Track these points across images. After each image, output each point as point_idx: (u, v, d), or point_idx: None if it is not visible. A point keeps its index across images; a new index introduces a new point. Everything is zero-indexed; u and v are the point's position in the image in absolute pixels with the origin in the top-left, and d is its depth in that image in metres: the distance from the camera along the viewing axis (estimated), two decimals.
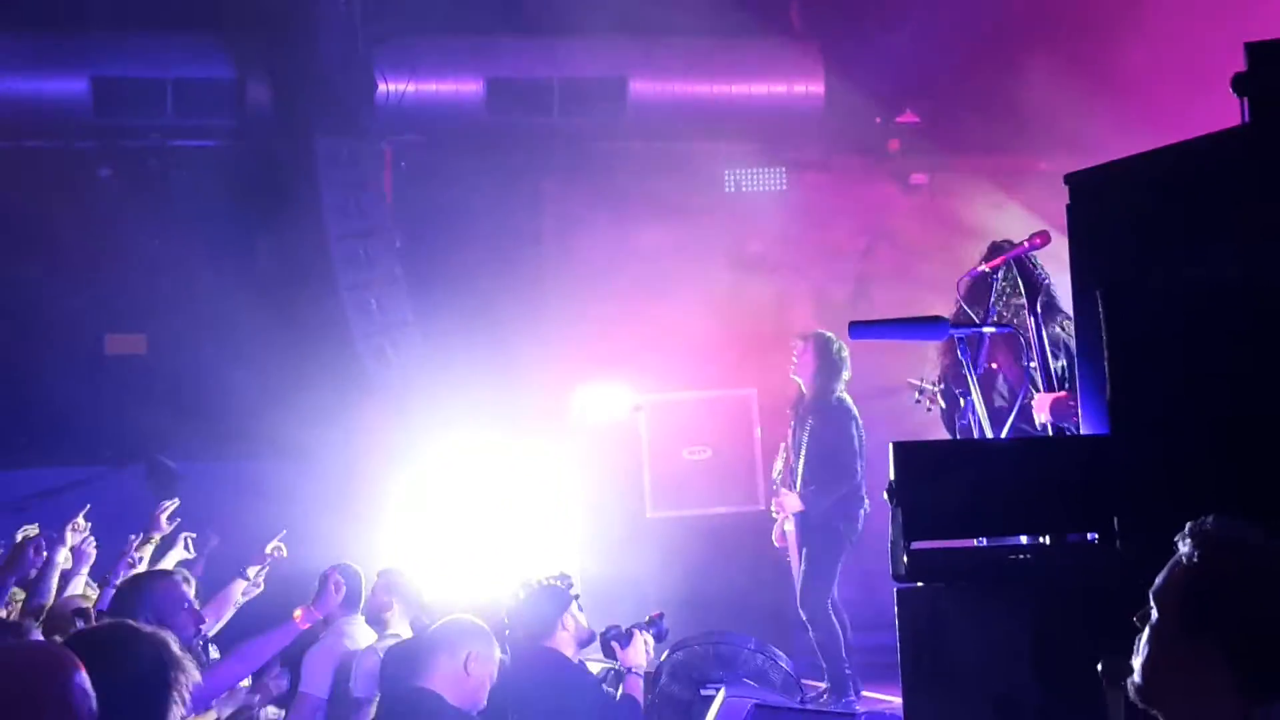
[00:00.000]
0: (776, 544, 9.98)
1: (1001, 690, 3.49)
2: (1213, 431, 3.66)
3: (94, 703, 3.34)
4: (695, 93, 13.06)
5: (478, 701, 6.06)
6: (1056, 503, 3.75)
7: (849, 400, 9.83)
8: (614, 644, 7.22)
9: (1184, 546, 2.85)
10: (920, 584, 3.77)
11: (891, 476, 3.79)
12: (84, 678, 3.35)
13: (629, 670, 7.14)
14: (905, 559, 3.72)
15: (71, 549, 7.60)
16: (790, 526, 9.83)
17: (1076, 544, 3.79)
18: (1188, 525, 2.85)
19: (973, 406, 6.21)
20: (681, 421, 11.99)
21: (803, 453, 9.75)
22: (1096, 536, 3.73)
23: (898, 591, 3.85)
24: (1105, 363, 3.68)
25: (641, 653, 7.23)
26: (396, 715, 6.04)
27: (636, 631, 7.23)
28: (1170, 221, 3.85)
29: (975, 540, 3.88)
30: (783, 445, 10.09)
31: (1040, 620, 3.45)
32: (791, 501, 9.73)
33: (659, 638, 7.46)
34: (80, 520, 7.77)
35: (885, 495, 3.80)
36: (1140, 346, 3.66)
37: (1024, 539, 3.98)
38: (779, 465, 10.06)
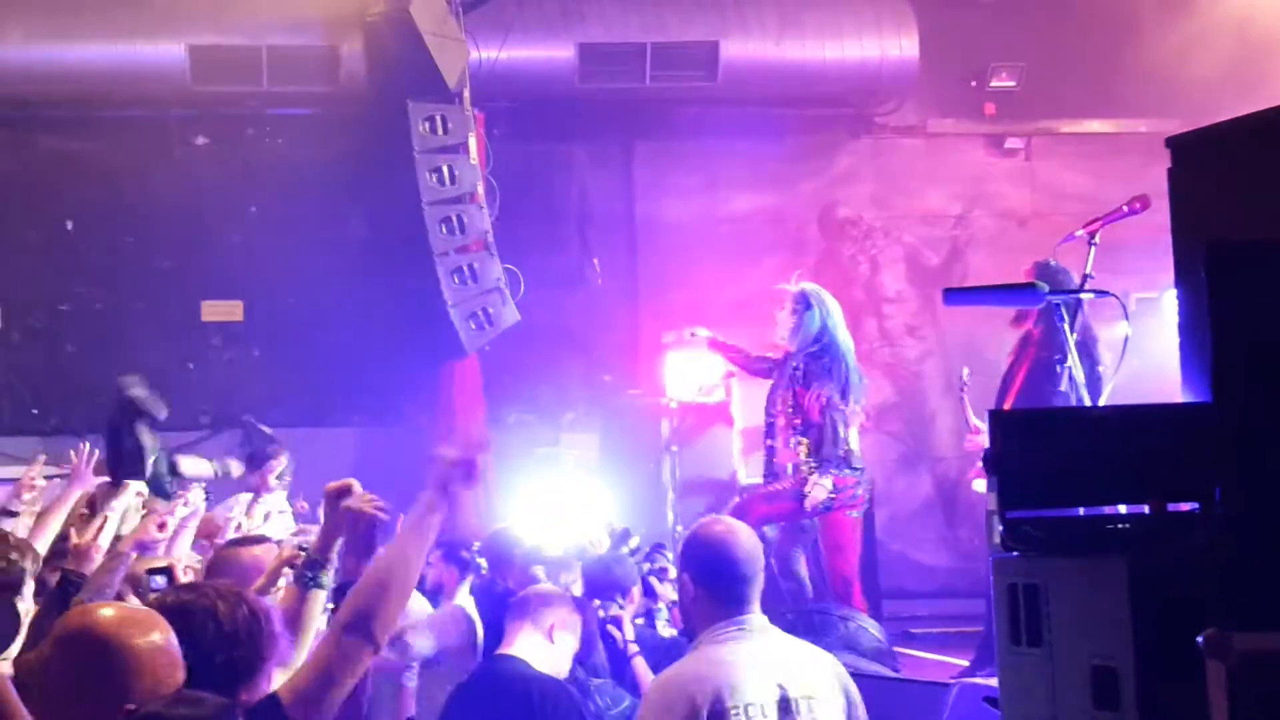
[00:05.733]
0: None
1: (1099, 662, 3.43)
2: None
3: (182, 666, 3.34)
4: (787, 56, 12.97)
5: (563, 669, 6.05)
6: (1156, 471, 3.67)
7: None
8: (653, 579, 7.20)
9: None
10: (1016, 553, 3.71)
11: (988, 445, 3.74)
12: (173, 641, 3.35)
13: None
14: (1002, 528, 3.67)
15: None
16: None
17: (1177, 514, 3.72)
18: None
19: (1071, 374, 6.13)
20: None
21: None
22: (1198, 506, 3.66)
23: (994, 561, 3.79)
24: (1209, 329, 3.61)
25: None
26: (482, 683, 6.05)
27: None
28: (1278, 183, 3.76)
29: (1073, 509, 3.82)
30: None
31: (1139, 591, 3.38)
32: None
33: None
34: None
35: (981, 464, 3.75)
36: (1245, 311, 3.57)
37: (1123, 508, 3.90)
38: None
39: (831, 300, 9.37)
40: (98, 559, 5.68)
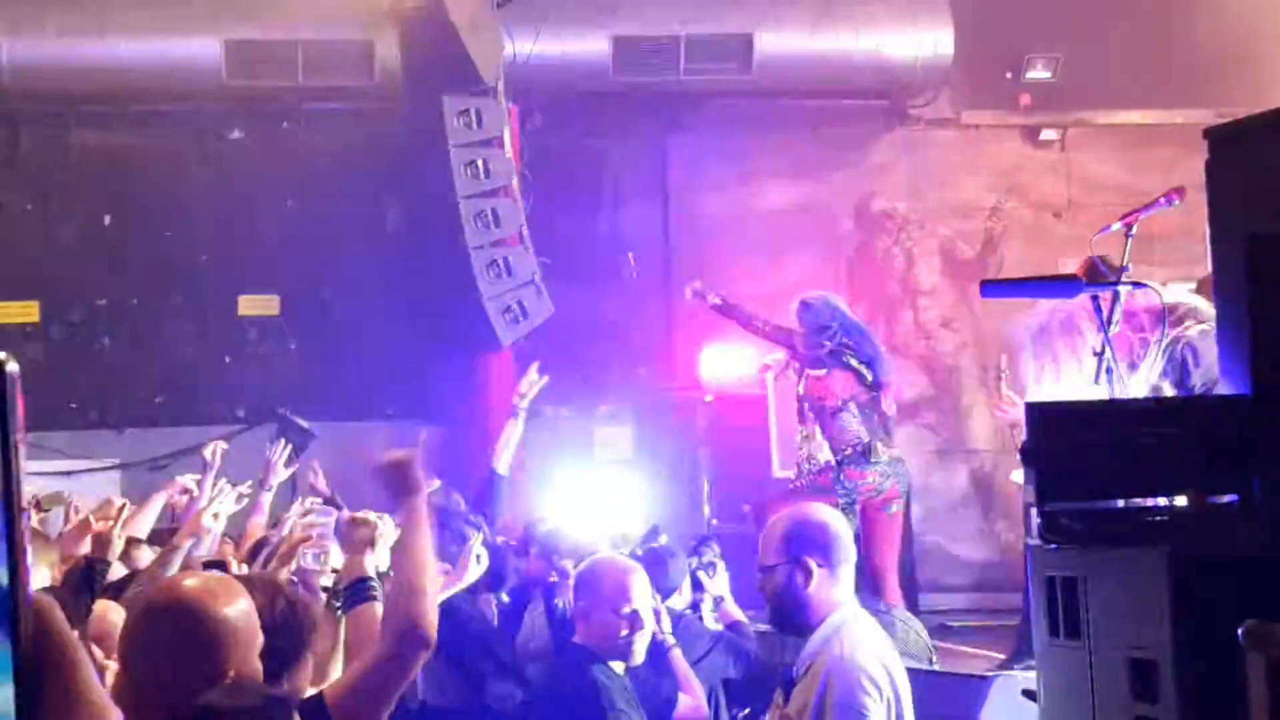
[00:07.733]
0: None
1: (1138, 654, 3.42)
2: None
3: (261, 634, 3.36)
4: (822, 47, 12.94)
5: (615, 652, 5.82)
6: (1196, 463, 3.66)
7: None
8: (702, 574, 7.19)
9: None
10: (1055, 546, 3.71)
11: (1025, 437, 3.73)
12: (254, 608, 3.37)
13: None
14: (1040, 520, 3.67)
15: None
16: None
17: (1216, 506, 3.71)
18: None
19: (1109, 365, 6.11)
20: None
21: None
22: (1237, 498, 3.65)
23: (1032, 553, 3.79)
24: (1248, 321, 3.60)
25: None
26: (552, 674, 6.09)
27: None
28: None
29: (1111, 501, 3.81)
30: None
31: (1178, 583, 3.37)
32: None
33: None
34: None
35: (1019, 455, 3.74)
36: None
37: (1162, 500, 3.89)
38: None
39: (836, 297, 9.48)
40: (118, 545, 5.73)
